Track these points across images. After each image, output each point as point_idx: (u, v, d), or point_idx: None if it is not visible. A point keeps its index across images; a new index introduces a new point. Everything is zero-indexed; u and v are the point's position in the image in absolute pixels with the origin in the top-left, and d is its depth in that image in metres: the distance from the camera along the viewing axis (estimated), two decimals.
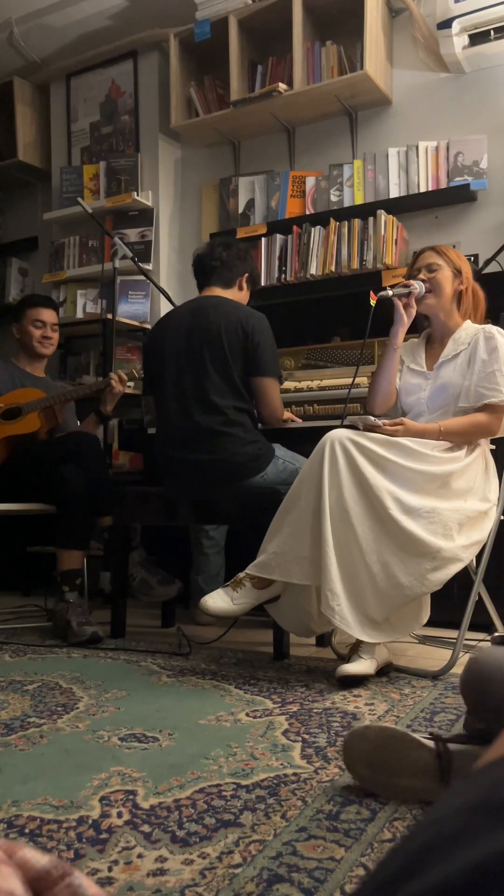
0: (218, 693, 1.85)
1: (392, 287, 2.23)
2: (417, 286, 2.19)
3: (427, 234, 3.26)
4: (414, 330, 2.32)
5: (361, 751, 1.22)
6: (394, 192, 3.25)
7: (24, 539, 3.51)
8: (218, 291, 2.52)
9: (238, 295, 2.55)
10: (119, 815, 1.16)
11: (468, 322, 2.24)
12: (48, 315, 3.00)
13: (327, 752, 1.43)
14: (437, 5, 3.08)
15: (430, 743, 1.18)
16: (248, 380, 2.40)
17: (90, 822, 1.14)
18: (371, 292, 2.21)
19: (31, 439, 2.78)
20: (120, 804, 1.20)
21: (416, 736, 1.20)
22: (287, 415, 2.59)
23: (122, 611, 2.56)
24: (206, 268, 2.55)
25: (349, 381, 2.84)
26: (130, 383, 2.93)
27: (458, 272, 2.22)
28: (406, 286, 2.20)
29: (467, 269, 2.24)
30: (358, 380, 2.60)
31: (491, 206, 3.15)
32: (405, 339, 2.30)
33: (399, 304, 2.21)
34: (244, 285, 2.58)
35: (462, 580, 2.08)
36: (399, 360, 2.29)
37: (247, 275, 2.58)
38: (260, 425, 2.49)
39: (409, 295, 2.20)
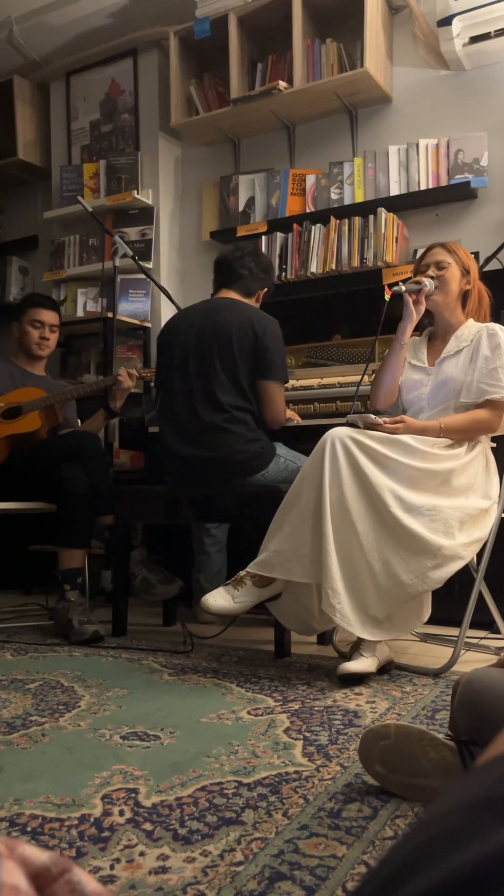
0: (219, 691, 1.85)
1: (404, 282, 2.23)
2: (428, 284, 2.19)
3: (428, 232, 3.25)
4: (416, 329, 2.32)
5: (379, 749, 1.22)
6: (394, 190, 3.24)
7: (25, 538, 3.51)
8: (235, 297, 2.53)
9: (253, 305, 2.57)
10: (121, 813, 1.16)
11: (471, 320, 2.24)
12: (48, 316, 3.00)
13: (329, 750, 1.43)
14: (436, 2, 3.07)
15: (451, 742, 1.17)
16: (254, 381, 2.40)
17: (92, 820, 1.14)
18: (386, 287, 2.22)
19: (31, 438, 2.78)
20: (122, 802, 1.20)
21: (436, 735, 1.19)
22: (289, 413, 2.59)
23: (124, 609, 2.56)
24: (232, 273, 2.55)
25: (350, 378, 2.84)
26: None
27: (466, 272, 2.22)
28: (417, 283, 2.20)
29: (475, 270, 2.25)
30: (359, 378, 2.60)
31: (491, 203, 3.15)
32: None
33: (409, 299, 2.21)
34: (260, 298, 2.61)
35: (463, 578, 2.08)
36: (404, 356, 2.29)
37: (266, 289, 2.62)
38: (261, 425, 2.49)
39: (419, 292, 2.20)
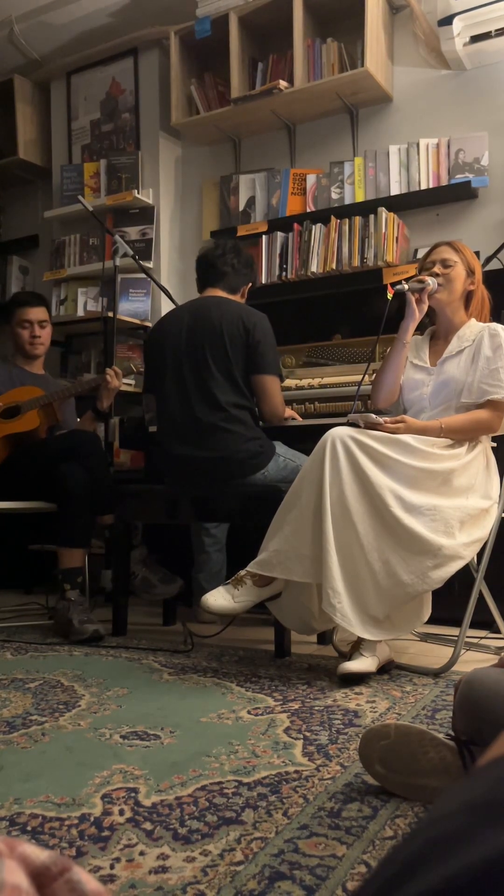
0: (219, 691, 1.85)
1: (407, 280, 2.22)
2: (431, 282, 2.19)
3: (428, 232, 3.25)
4: (417, 330, 2.31)
5: (379, 748, 1.22)
6: (395, 190, 3.24)
7: (25, 537, 3.51)
8: (221, 295, 2.54)
9: (239, 301, 2.57)
10: (121, 812, 1.16)
11: (473, 320, 2.24)
12: (34, 313, 2.98)
13: (329, 750, 1.43)
14: (437, 2, 3.07)
15: (451, 742, 1.17)
16: (248, 377, 2.40)
17: (92, 819, 1.14)
18: (388, 285, 2.22)
19: (31, 437, 2.78)
20: (122, 802, 1.20)
21: (436, 734, 1.19)
22: (289, 412, 2.59)
23: (124, 609, 2.56)
24: (215, 270, 2.55)
25: (350, 378, 2.84)
26: (130, 380, 2.92)
27: (471, 272, 2.22)
28: (420, 282, 2.19)
29: (479, 271, 2.25)
30: (359, 377, 2.60)
31: (492, 203, 3.15)
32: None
33: (412, 298, 2.21)
34: (245, 294, 2.62)
35: (463, 578, 2.08)
36: (406, 355, 2.29)
37: (250, 284, 2.63)
38: (261, 423, 2.49)
39: (422, 290, 2.20)
